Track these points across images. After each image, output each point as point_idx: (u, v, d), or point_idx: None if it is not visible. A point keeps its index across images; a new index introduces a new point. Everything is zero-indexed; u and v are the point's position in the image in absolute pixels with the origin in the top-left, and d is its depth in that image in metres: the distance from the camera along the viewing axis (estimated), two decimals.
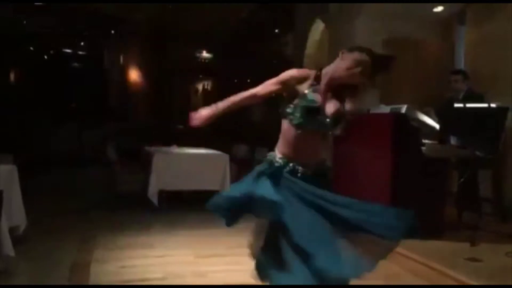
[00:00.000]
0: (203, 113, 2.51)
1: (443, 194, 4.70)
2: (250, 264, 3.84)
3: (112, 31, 12.19)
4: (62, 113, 11.51)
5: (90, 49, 12.73)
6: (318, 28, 7.75)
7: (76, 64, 12.77)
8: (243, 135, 10.41)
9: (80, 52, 12.77)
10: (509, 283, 3.06)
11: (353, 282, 2.40)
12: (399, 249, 3.84)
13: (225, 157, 6.19)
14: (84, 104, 12.30)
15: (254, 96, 2.47)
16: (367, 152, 4.74)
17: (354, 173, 4.98)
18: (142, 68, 13.47)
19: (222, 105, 2.50)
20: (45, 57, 12.27)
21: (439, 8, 6.12)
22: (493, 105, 4.18)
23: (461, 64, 6.26)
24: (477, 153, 4.33)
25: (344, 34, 6.41)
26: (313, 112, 2.29)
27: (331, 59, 2.53)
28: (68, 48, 12.61)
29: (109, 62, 13.03)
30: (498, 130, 4.31)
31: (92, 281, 3.38)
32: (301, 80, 2.41)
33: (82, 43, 12.58)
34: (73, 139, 11.06)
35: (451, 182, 5.17)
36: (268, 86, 2.44)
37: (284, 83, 2.42)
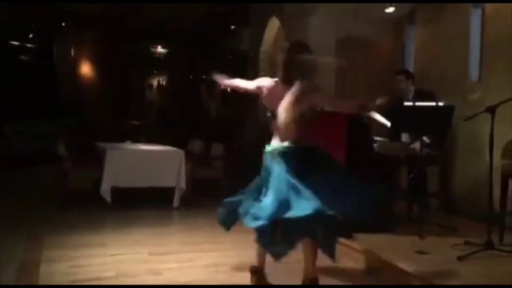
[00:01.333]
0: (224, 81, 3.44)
1: (393, 190, 4.86)
2: (203, 260, 3.86)
3: (63, 23, 11.81)
4: (9, 109, 11.06)
5: (39, 41, 12.28)
6: (273, 25, 7.80)
7: (24, 57, 12.30)
8: (199, 131, 10.36)
9: (29, 45, 12.31)
10: (454, 274, 3.19)
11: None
12: (352, 243, 3.95)
13: (180, 153, 6.13)
14: (33, 99, 11.87)
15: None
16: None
17: None
18: (95, 62, 13.14)
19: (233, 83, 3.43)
20: None
21: (391, 9, 6.28)
22: (440, 103, 4.34)
23: (410, 63, 6.45)
24: (426, 150, 4.49)
25: (298, 32, 6.48)
26: None
27: None
28: (16, 41, 12.12)
29: (60, 56, 12.63)
30: (445, 128, 4.49)
31: (41, 281, 3.28)
32: None
33: (31, 35, 12.11)
34: (21, 136, 10.64)
35: (401, 178, 5.35)
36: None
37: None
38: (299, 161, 2.96)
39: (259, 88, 3.20)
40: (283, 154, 2.98)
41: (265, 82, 3.21)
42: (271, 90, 3.12)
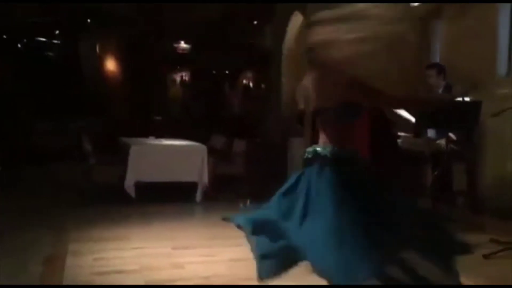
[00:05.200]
0: None
1: (418, 186, 4.79)
2: (225, 254, 3.88)
3: (88, 20, 11.97)
4: (36, 105, 11.27)
5: (65, 38, 12.48)
6: (297, 21, 7.74)
7: (50, 54, 12.52)
8: (222, 127, 10.39)
9: (55, 41, 12.52)
10: (479, 273, 3.13)
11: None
12: None
13: (203, 148, 6.17)
14: (58, 95, 12.06)
15: None
16: None
17: None
18: (118, 59, 13.29)
19: None
20: (19, 45, 11.99)
21: (416, 4, 6.17)
22: (467, 99, 4.25)
23: (436, 59, 6.34)
24: (452, 146, 4.41)
25: None
26: None
27: None
28: (43, 37, 12.34)
29: (85, 52, 12.81)
30: (472, 124, 4.40)
31: (66, 274, 3.34)
32: None
33: (57, 32, 12.32)
34: (47, 132, 10.84)
35: (426, 175, 5.27)
36: None
37: None
38: None
39: None
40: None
41: None
42: None
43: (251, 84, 14.38)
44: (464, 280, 3.01)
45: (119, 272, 3.41)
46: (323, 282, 1.79)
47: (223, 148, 7.16)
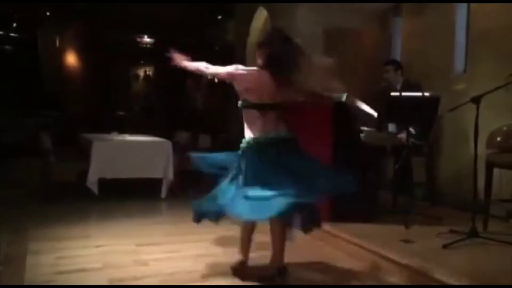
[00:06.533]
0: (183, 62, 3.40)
1: (379, 180, 4.90)
2: (190, 250, 3.86)
3: (47, 13, 11.63)
4: None
5: (23, 31, 12.08)
6: (260, 16, 7.77)
7: (7, 47, 12.11)
8: (186, 122, 10.31)
9: (12, 34, 12.11)
10: (438, 261, 3.23)
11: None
12: (339, 233, 3.99)
13: (168, 144, 6.11)
14: (17, 90, 11.68)
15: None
16: (307, 139, 4.82)
17: None
18: (80, 53, 12.98)
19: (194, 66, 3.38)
20: None
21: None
22: (426, 94, 4.37)
23: (397, 54, 6.48)
24: (412, 140, 4.53)
25: (285, 23, 6.46)
26: None
27: None
28: None
29: (44, 46, 12.44)
30: (431, 119, 4.51)
31: (27, 273, 3.25)
32: None
33: (14, 25, 11.91)
34: (5, 128, 10.49)
35: (387, 168, 5.39)
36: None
37: None
38: (278, 150, 3.03)
39: (232, 76, 3.11)
40: (267, 145, 3.05)
41: (248, 71, 3.10)
42: (259, 80, 3.06)
43: (215, 80, 14.32)
44: (424, 269, 3.11)
45: (82, 270, 3.35)
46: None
47: (189, 144, 7.11)
